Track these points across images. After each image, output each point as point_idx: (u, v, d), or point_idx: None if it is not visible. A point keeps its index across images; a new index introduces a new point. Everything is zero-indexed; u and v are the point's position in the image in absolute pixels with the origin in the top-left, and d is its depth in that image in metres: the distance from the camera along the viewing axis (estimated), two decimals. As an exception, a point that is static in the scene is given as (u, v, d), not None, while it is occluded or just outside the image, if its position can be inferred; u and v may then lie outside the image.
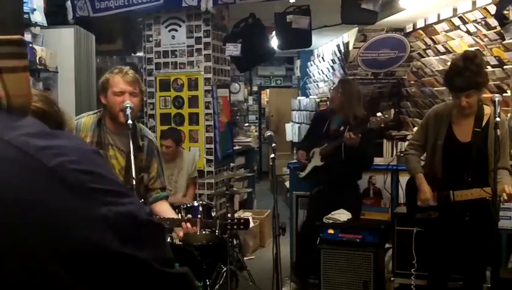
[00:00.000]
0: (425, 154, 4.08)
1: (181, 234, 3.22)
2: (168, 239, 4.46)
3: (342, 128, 4.85)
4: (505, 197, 3.48)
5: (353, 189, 5.05)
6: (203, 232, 4.98)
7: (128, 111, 2.94)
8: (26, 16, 4.69)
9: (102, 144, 3.14)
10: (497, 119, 3.40)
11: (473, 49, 5.72)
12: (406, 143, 5.95)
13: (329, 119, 5.05)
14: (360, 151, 4.69)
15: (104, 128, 3.17)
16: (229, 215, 3.59)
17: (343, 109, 4.90)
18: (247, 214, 7.04)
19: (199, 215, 3.34)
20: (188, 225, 3.17)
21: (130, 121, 2.91)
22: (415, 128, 7.11)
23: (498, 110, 3.43)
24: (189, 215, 3.35)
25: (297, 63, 12.48)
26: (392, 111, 4.82)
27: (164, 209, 3.33)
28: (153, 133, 6.19)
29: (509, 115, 4.95)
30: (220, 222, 3.45)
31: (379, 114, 4.78)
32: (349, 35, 8.23)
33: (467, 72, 3.56)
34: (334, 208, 4.82)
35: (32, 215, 0.90)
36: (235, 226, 3.52)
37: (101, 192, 0.96)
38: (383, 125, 4.79)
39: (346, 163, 4.78)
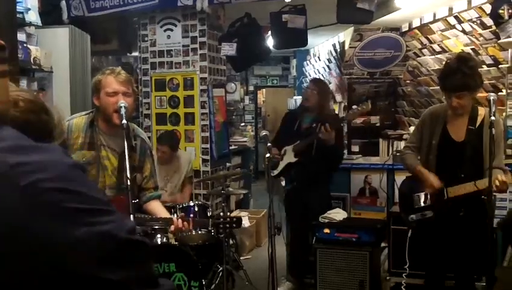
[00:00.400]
0: (420, 154, 4.07)
1: (172, 228, 3.19)
2: (164, 239, 4.45)
3: (314, 125, 4.99)
4: (497, 184, 3.47)
5: (324, 186, 5.14)
6: (199, 232, 4.99)
7: (123, 111, 2.92)
8: (20, 15, 4.67)
9: (95, 144, 3.13)
10: (492, 118, 3.40)
11: (468, 48, 5.73)
12: (403, 145, 5.99)
13: (300, 117, 5.18)
14: (332, 149, 4.82)
15: (97, 130, 3.15)
16: (221, 214, 3.58)
17: (319, 107, 5.05)
18: (243, 214, 7.04)
19: (191, 215, 3.33)
20: (180, 221, 3.15)
21: (124, 121, 2.90)
22: (411, 128, 7.12)
23: (493, 109, 3.43)
24: (182, 214, 3.32)
25: (294, 62, 12.46)
26: (369, 102, 4.91)
27: (157, 209, 3.32)
28: (148, 132, 6.20)
29: (504, 114, 4.95)
30: (213, 221, 3.45)
31: (354, 106, 4.86)
32: (345, 35, 8.23)
33: (459, 74, 3.57)
34: (307, 203, 4.98)
35: (5, 236, 0.87)
36: (227, 225, 3.51)
37: (78, 212, 0.92)
38: (359, 117, 4.93)
39: (317, 160, 4.90)
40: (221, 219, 3.50)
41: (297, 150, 5.04)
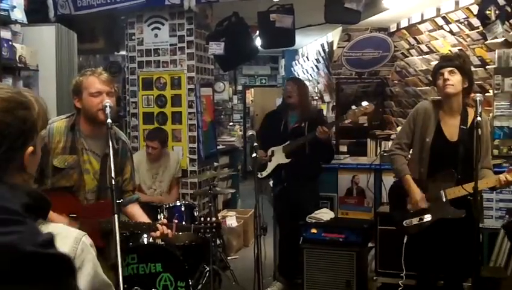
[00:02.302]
0: (411, 151, 3.99)
1: (157, 234, 3.19)
2: (150, 239, 4.43)
3: (303, 124, 5.05)
4: (502, 183, 3.51)
5: (314, 183, 5.20)
6: (186, 232, 4.96)
7: (108, 110, 2.89)
8: (5, 13, 4.62)
9: (76, 149, 3.09)
10: (478, 118, 3.40)
11: (456, 49, 5.75)
12: (391, 142, 5.98)
13: (285, 117, 5.19)
14: (327, 146, 5.01)
15: (78, 133, 3.11)
16: (201, 219, 3.63)
17: (302, 103, 5.15)
18: (230, 214, 7.03)
19: (175, 221, 3.33)
20: (164, 227, 3.15)
21: (109, 120, 2.87)
22: (399, 128, 7.13)
23: (479, 110, 3.43)
24: (165, 220, 3.32)
25: (282, 62, 12.48)
26: (372, 105, 4.88)
27: (137, 213, 3.33)
28: (136, 132, 6.17)
29: (491, 114, 4.97)
30: (195, 226, 3.49)
31: (354, 107, 4.82)
32: (334, 35, 8.24)
33: (454, 55, 3.72)
34: (298, 203, 4.99)
35: None
36: (207, 230, 3.54)
37: None
38: (359, 117, 4.97)
39: (311, 158, 4.98)
40: (202, 224, 3.54)
41: (288, 151, 5.02)
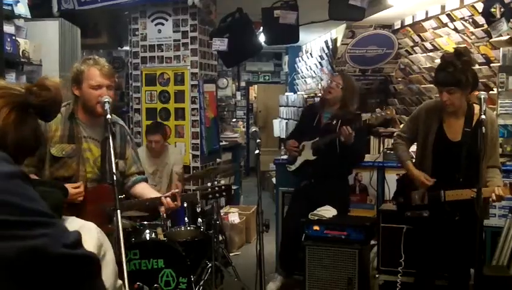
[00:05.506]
0: (416, 149, 4.04)
1: (162, 209, 3.17)
2: (153, 235, 4.43)
3: (335, 122, 4.80)
4: (494, 198, 3.46)
5: (343, 183, 5.01)
6: (188, 228, 4.97)
7: (107, 106, 2.88)
8: (9, 7, 4.62)
9: (75, 137, 3.07)
10: (483, 116, 3.37)
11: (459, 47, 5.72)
12: (395, 134, 5.96)
13: (320, 112, 5.00)
14: (353, 149, 4.66)
15: (77, 121, 3.10)
16: (209, 184, 3.49)
17: (341, 103, 4.84)
18: (233, 210, 7.03)
19: (178, 190, 3.27)
20: (168, 200, 3.12)
21: (108, 116, 2.86)
22: (402, 126, 7.11)
23: (484, 108, 3.40)
24: (169, 193, 3.24)
25: (286, 58, 12.45)
26: (394, 110, 4.81)
27: (144, 191, 3.28)
28: (138, 127, 6.17)
29: (495, 112, 4.95)
30: (201, 192, 3.37)
31: (378, 110, 4.76)
32: (337, 32, 8.21)
33: (450, 68, 3.55)
34: (323, 202, 4.81)
35: None
36: (216, 194, 3.42)
37: (5, 225, 0.86)
38: (380, 121, 4.76)
39: (340, 157, 4.75)
40: (209, 189, 3.44)
41: (316, 148, 4.86)
